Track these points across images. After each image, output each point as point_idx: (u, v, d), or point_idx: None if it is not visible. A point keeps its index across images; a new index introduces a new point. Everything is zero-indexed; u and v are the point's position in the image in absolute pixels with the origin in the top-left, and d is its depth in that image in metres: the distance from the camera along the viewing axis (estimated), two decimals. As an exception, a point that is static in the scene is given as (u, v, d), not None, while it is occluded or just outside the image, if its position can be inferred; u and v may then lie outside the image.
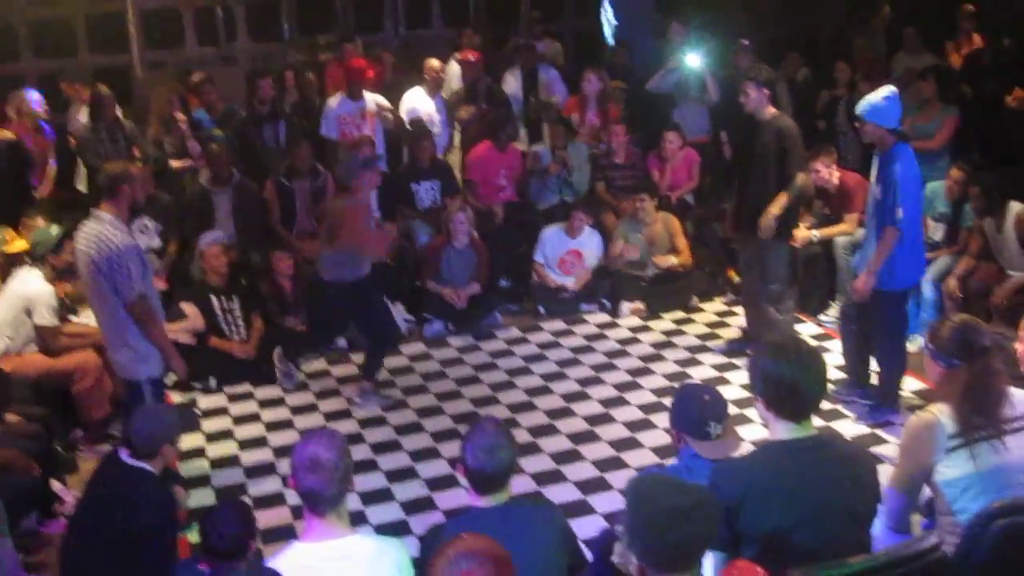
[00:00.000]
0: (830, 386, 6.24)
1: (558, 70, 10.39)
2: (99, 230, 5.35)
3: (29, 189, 8.88)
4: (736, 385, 6.97)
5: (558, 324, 8.24)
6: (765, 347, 3.36)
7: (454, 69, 10.14)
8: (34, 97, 9.26)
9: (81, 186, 9.29)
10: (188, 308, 7.37)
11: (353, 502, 5.01)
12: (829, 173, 7.76)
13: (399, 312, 8.07)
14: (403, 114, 9.40)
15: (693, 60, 9.51)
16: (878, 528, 3.55)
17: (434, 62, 9.55)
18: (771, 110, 6.89)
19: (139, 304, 5.37)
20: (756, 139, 6.85)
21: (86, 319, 7.20)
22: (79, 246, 5.46)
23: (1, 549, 4.74)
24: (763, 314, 7.12)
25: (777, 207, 6.78)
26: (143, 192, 5.66)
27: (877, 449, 5.90)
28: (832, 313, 7.86)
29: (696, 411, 3.70)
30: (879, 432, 6.26)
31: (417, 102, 9.42)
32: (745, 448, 5.56)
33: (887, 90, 6.04)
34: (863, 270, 6.22)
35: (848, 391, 6.60)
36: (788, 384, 3.25)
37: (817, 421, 3.44)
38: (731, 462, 3.46)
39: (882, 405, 6.44)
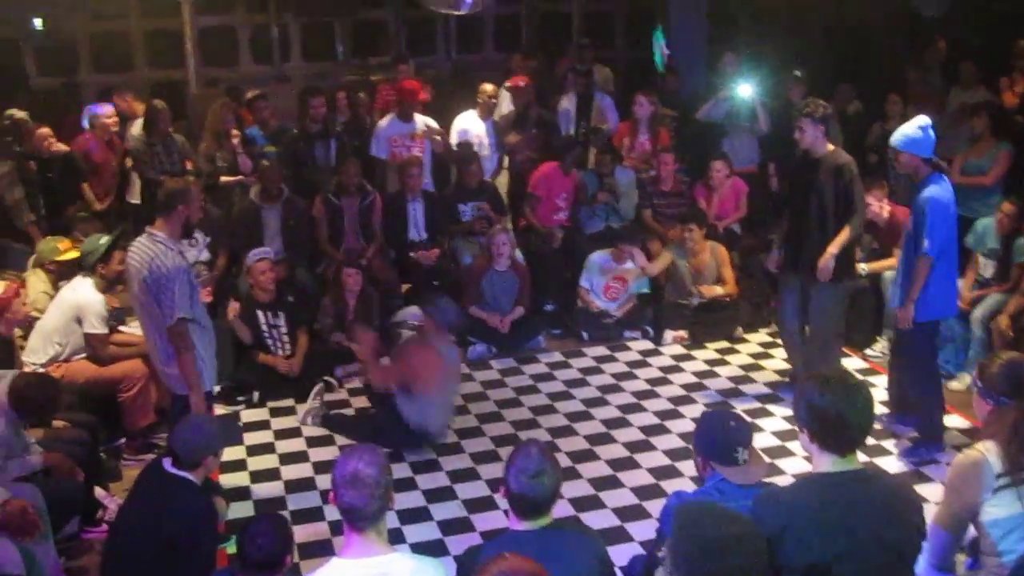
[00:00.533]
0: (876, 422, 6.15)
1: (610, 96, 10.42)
2: (152, 248, 5.37)
3: (84, 200, 9.07)
4: (779, 417, 6.92)
5: (600, 350, 8.23)
6: (812, 379, 3.31)
7: (505, 94, 10.20)
8: (104, 110, 9.48)
9: (134, 198, 9.43)
10: (235, 322, 7.45)
11: (391, 520, 5.00)
12: (880, 207, 7.70)
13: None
14: (453, 137, 9.46)
15: (745, 90, 9.50)
16: (922, 566, 3.50)
17: (488, 86, 9.61)
18: (829, 146, 6.71)
19: (177, 327, 5.36)
20: (813, 176, 6.65)
21: (134, 329, 7.31)
22: (131, 261, 5.49)
23: (43, 553, 4.80)
24: (816, 358, 6.88)
25: (837, 246, 6.59)
26: (198, 212, 5.64)
27: (921, 488, 5.81)
28: (878, 348, 7.79)
29: (722, 437, 3.69)
30: (923, 470, 6.17)
31: (468, 124, 9.49)
32: (786, 480, 5.57)
33: (921, 120, 6.00)
34: (895, 303, 6.21)
35: (891, 421, 6.53)
36: (834, 417, 3.20)
37: (861, 457, 3.38)
38: (773, 493, 3.41)
39: (924, 439, 6.35)
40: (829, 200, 6.60)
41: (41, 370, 6.37)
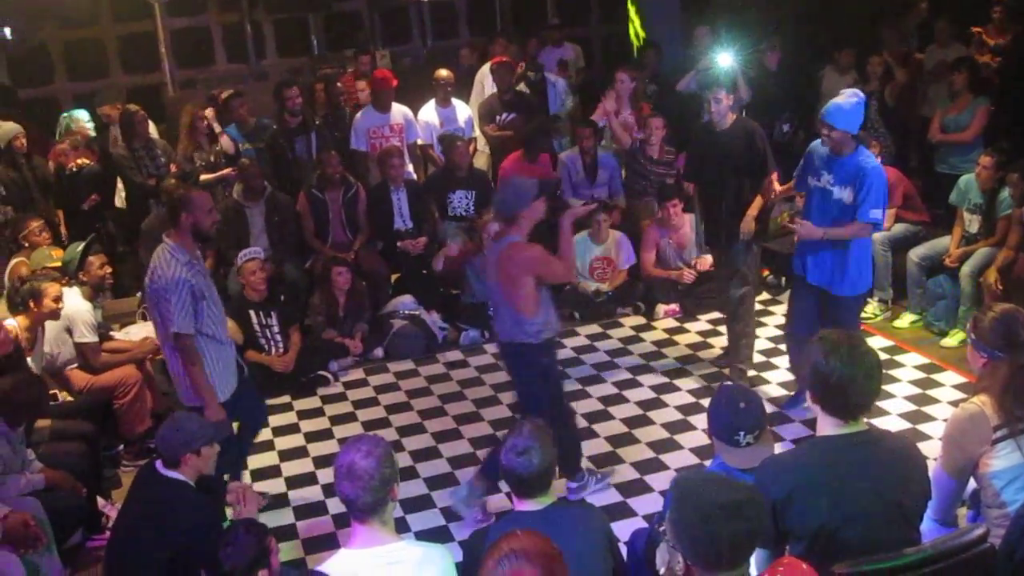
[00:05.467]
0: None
1: (578, 73, 10.38)
2: (159, 258, 5.23)
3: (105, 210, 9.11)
4: (774, 384, 6.95)
5: (593, 328, 8.24)
6: (820, 341, 3.29)
7: (483, 75, 10.20)
8: (83, 116, 9.43)
9: (119, 203, 9.41)
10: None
11: (395, 509, 5.01)
12: None
13: (435, 320, 8.12)
14: (420, 129, 9.45)
15: (724, 59, 9.46)
16: (925, 523, 3.52)
17: (443, 72, 9.60)
18: (731, 115, 6.74)
19: (179, 339, 5.19)
20: (723, 146, 6.67)
21: (126, 335, 7.30)
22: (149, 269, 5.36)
23: (47, 565, 4.80)
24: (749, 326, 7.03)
25: (756, 209, 6.71)
26: (209, 218, 5.36)
27: (921, 446, 5.84)
28: (869, 310, 7.79)
29: (728, 417, 3.67)
30: (920, 427, 6.21)
31: (429, 116, 9.49)
32: (785, 447, 5.59)
33: (855, 94, 5.87)
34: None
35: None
36: (836, 382, 3.19)
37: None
38: (777, 458, 3.41)
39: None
40: (744, 167, 6.67)
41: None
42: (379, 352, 7.96)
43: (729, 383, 4.79)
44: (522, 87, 10.05)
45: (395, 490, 3.40)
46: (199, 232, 5.34)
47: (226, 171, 8.77)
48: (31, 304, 6.14)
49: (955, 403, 6.22)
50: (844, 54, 9.95)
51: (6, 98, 10.28)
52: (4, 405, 5.24)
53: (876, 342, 7.28)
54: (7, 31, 10.99)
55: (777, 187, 7.04)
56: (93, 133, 9.52)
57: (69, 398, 6.30)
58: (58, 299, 6.28)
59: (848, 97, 5.82)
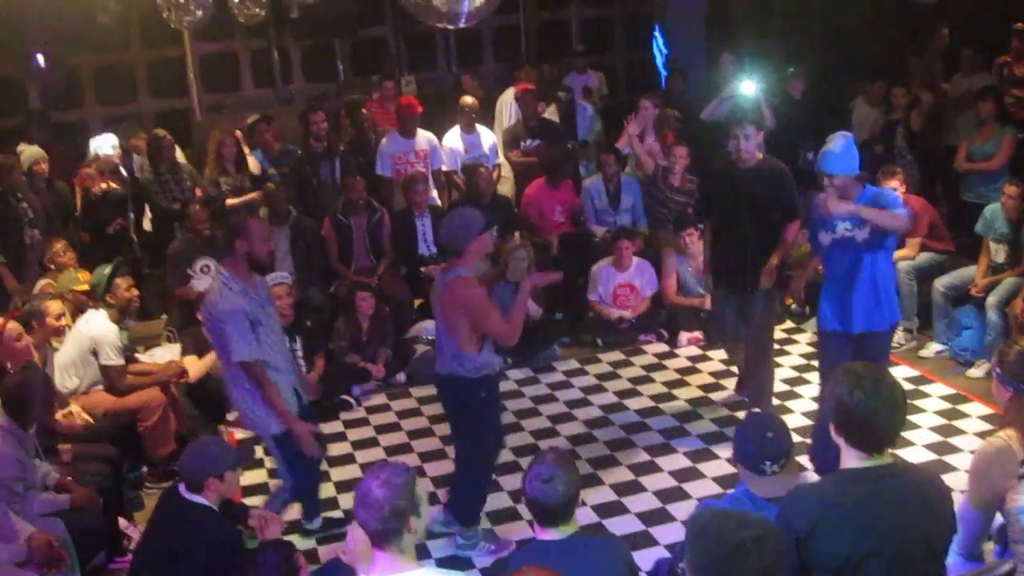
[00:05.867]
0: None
1: (601, 100, 10.42)
2: (215, 287, 5.19)
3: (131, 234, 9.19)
4: (798, 413, 6.91)
5: (616, 355, 8.22)
6: (844, 374, 3.25)
7: (506, 102, 10.25)
8: (110, 141, 9.52)
9: (147, 226, 9.49)
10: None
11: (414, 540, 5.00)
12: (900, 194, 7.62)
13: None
14: (445, 156, 9.49)
15: (748, 87, 9.48)
16: (951, 558, 3.48)
17: (467, 99, 9.67)
18: (759, 153, 6.44)
19: (246, 368, 5.14)
20: (747, 186, 6.34)
21: (149, 357, 7.35)
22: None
23: (70, 587, 4.83)
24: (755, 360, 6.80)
25: (778, 257, 6.46)
26: (264, 246, 5.31)
27: (946, 478, 5.79)
28: (894, 339, 7.72)
29: (755, 446, 3.65)
30: (945, 459, 6.15)
31: (453, 142, 9.53)
32: (810, 474, 5.55)
33: (841, 136, 5.70)
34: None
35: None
36: (861, 416, 3.14)
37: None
38: (802, 491, 3.38)
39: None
40: (767, 210, 6.36)
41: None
42: (402, 377, 7.97)
43: (757, 411, 4.66)
44: (552, 111, 10.09)
45: (411, 523, 3.32)
46: (254, 260, 5.26)
47: (251, 195, 8.83)
48: (34, 324, 6.20)
49: (981, 435, 6.18)
50: (876, 86, 9.93)
51: (40, 122, 10.39)
52: (11, 401, 5.25)
53: (901, 372, 7.24)
54: (40, 58, 11.11)
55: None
56: (117, 160, 9.57)
57: (88, 419, 6.30)
58: (59, 317, 6.36)
59: (836, 141, 5.65)
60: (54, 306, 6.39)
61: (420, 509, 3.37)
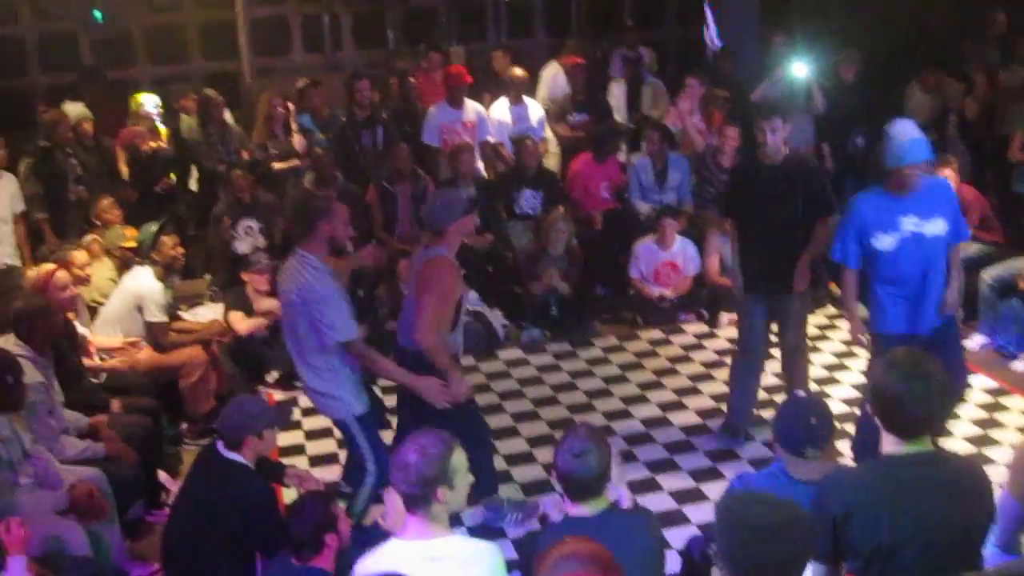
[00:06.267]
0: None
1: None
2: (300, 271, 5.01)
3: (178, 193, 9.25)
4: (836, 400, 6.86)
5: (655, 333, 8.20)
6: (885, 359, 3.23)
7: (548, 75, 10.23)
8: (150, 100, 9.57)
9: (193, 186, 9.56)
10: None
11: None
12: (954, 184, 7.49)
13: (497, 317, 8.13)
14: (491, 127, 9.48)
15: (800, 69, 9.40)
16: (988, 548, 3.45)
17: (517, 70, 9.63)
18: (784, 148, 5.96)
19: (349, 347, 5.05)
20: (776, 183, 5.89)
21: (194, 315, 7.43)
22: (281, 284, 5.21)
23: (109, 535, 4.91)
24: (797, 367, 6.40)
25: (811, 258, 6.09)
26: (346, 230, 5.20)
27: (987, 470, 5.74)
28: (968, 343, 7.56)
29: (798, 430, 3.62)
30: (985, 451, 6.09)
31: (500, 113, 9.51)
32: (847, 460, 5.53)
33: (909, 125, 5.39)
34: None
35: None
36: (891, 399, 3.13)
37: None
38: (839, 474, 3.36)
39: None
40: (800, 207, 5.93)
41: (106, 356, 6.49)
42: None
43: (800, 393, 4.52)
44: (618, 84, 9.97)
45: (439, 493, 3.36)
46: (335, 243, 5.23)
47: (296, 162, 8.88)
48: None
49: (1023, 429, 6.11)
50: (931, 72, 9.78)
51: (92, 78, 10.47)
52: (19, 324, 5.40)
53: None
54: (98, 14, 11.21)
55: None
56: (158, 119, 9.57)
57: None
58: (83, 266, 6.45)
59: (907, 129, 5.33)
60: (79, 256, 6.50)
61: (454, 481, 3.40)
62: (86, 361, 6.29)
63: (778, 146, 5.87)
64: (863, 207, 5.47)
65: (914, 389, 3.12)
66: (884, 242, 5.41)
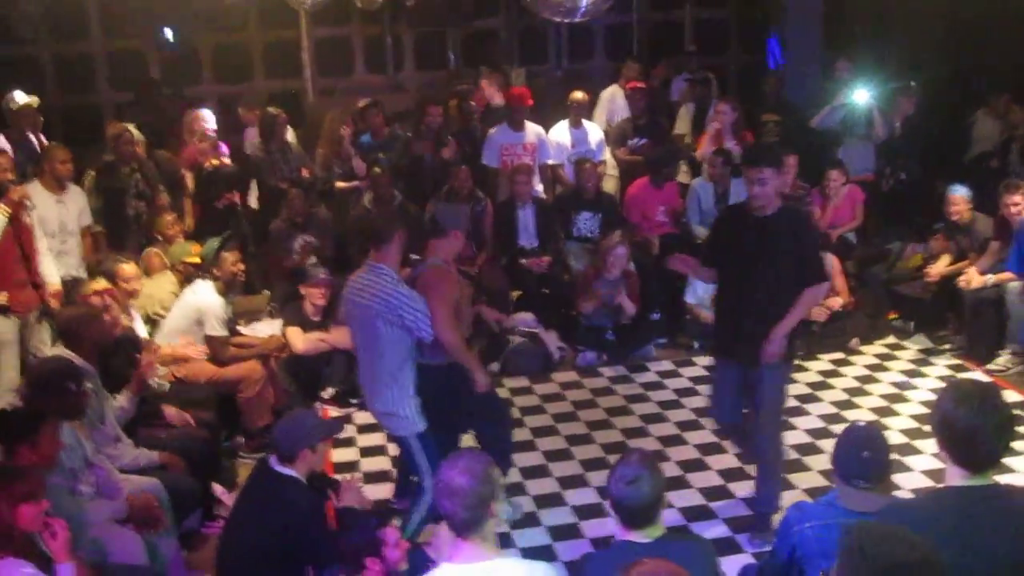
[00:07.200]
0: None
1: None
2: (379, 281, 5.14)
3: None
4: (895, 431, 6.75)
5: (711, 360, 8.13)
6: (951, 389, 3.18)
7: (607, 98, 10.25)
8: (207, 116, 9.70)
9: (253, 203, 9.67)
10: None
11: (502, 525, 5.04)
12: (1020, 210, 7.40)
13: (553, 340, 8.14)
14: (551, 149, 9.51)
15: (861, 96, 9.33)
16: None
17: (578, 94, 9.68)
18: (777, 200, 5.34)
19: (445, 339, 5.20)
20: (763, 237, 5.30)
21: (253, 330, 7.51)
22: (352, 296, 5.28)
23: (165, 546, 4.96)
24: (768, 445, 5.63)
25: (790, 325, 5.35)
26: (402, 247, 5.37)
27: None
28: (1001, 362, 7.53)
29: (851, 461, 3.60)
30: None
31: (560, 136, 9.56)
32: (905, 493, 5.44)
33: None
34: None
35: None
36: (965, 432, 3.06)
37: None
38: (902, 506, 3.31)
39: None
40: (787, 266, 5.30)
41: (165, 369, 6.57)
42: (495, 367, 8.01)
43: (861, 422, 4.32)
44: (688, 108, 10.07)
45: (493, 508, 3.36)
46: (406, 258, 5.50)
47: (360, 179, 8.97)
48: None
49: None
50: (999, 98, 9.65)
51: (150, 93, 10.66)
52: (66, 332, 5.49)
53: (1008, 396, 7.02)
54: (169, 32, 11.44)
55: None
56: (212, 134, 9.65)
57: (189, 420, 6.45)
58: (130, 279, 6.51)
59: None
60: (128, 268, 6.57)
61: (500, 492, 3.41)
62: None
63: (767, 197, 5.25)
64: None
65: (989, 423, 3.06)
66: None
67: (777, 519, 5.12)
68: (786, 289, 5.32)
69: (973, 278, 7.56)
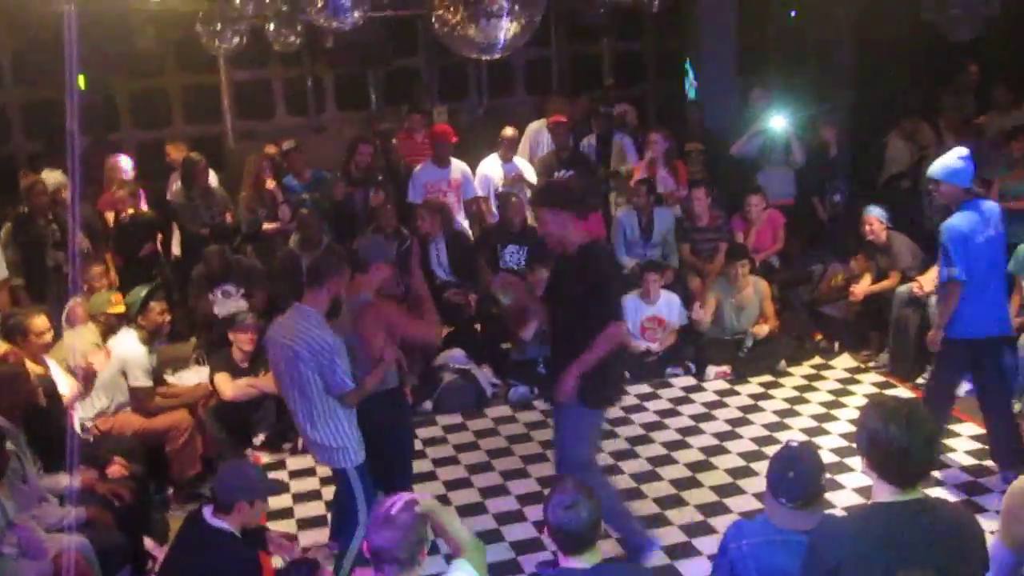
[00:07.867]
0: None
1: (630, 135, 10.49)
2: (303, 323, 5.10)
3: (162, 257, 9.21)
4: (826, 450, 6.83)
5: (643, 388, 8.19)
6: (876, 408, 3.20)
7: (531, 133, 10.34)
8: (124, 163, 9.57)
9: (176, 250, 9.54)
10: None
11: (439, 564, 5.00)
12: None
13: (486, 375, 8.12)
14: (477, 183, 9.59)
15: (778, 122, 9.52)
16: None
17: (508, 130, 9.73)
18: (576, 239, 5.25)
19: (346, 398, 5.16)
20: (563, 276, 5.35)
21: (177, 380, 7.38)
22: (277, 338, 5.23)
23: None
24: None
25: (586, 364, 5.11)
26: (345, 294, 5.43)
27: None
28: (927, 377, 7.66)
29: (779, 480, 3.64)
30: (976, 499, 6.08)
31: (490, 170, 9.60)
32: (838, 511, 5.49)
33: (960, 151, 6.01)
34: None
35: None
36: (896, 450, 3.09)
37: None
38: (832, 524, 3.35)
39: None
40: (576, 306, 5.17)
41: (89, 423, 6.43)
42: (428, 405, 7.96)
43: (794, 442, 4.29)
44: (589, 140, 10.14)
45: (424, 552, 3.38)
46: (335, 304, 5.41)
47: (284, 224, 8.91)
48: (18, 339, 6.16)
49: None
50: (908, 121, 9.90)
51: (60, 146, 10.48)
52: None
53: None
54: (81, 81, 11.25)
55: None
56: (133, 183, 9.52)
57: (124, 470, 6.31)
58: (40, 333, 6.30)
59: (952, 155, 5.98)
60: (38, 322, 6.34)
61: (428, 542, 3.44)
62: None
63: (551, 237, 5.26)
64: (953, 228, 5.95)
65: (919, 440, 3.10)
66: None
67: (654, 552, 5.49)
68: (580, 328, 5.16)
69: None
